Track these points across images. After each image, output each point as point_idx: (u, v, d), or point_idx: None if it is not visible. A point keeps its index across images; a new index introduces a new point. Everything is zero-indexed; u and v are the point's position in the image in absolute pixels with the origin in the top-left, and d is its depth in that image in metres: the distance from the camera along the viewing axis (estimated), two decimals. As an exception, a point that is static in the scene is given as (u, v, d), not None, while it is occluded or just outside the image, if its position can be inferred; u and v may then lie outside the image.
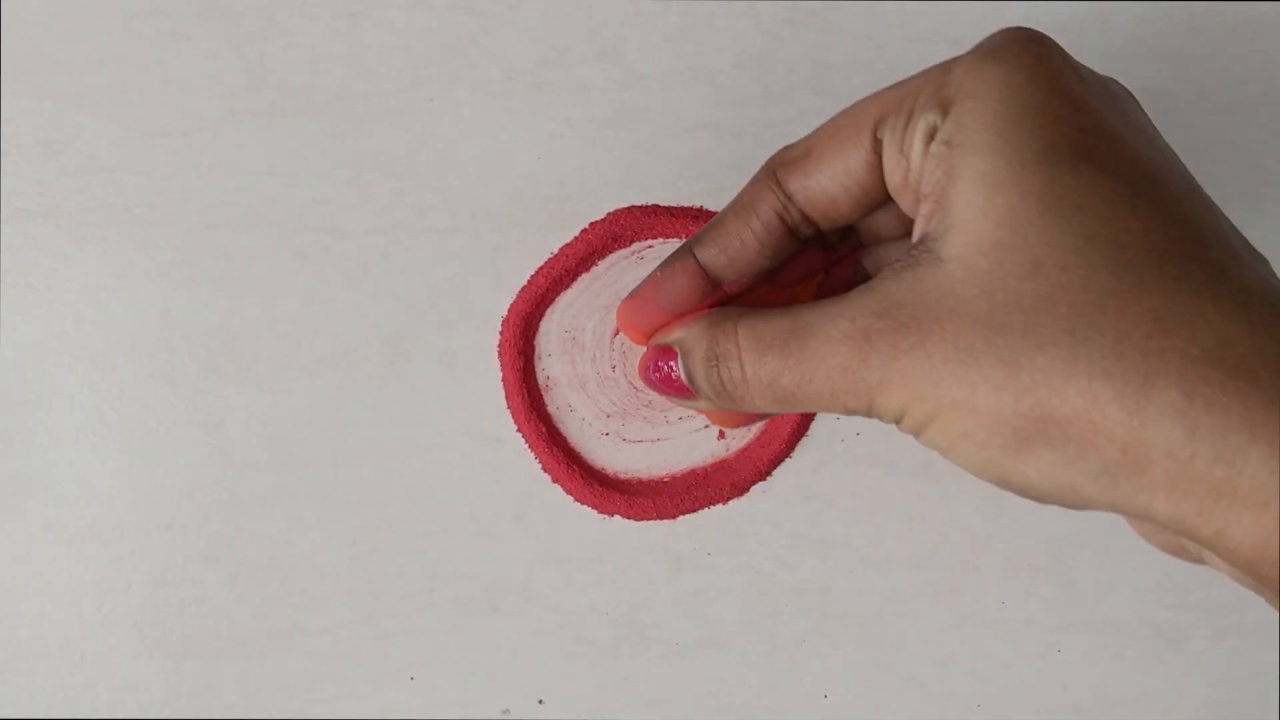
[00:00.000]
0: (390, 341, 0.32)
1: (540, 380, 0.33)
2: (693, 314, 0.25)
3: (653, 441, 0.33)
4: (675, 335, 0.25)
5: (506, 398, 0.32)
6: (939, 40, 0.33)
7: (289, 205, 0.32)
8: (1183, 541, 0.22)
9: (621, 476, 0.33)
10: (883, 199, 0.24)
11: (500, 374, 0.32)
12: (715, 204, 0.32)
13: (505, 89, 0.32)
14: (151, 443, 0.32)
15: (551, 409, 0.33)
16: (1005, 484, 0.21)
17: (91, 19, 0.32)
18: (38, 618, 0.32)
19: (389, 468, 0.32)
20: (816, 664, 0.33)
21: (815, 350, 0.22)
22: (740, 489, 0.33)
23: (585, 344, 0.33)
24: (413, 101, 0.32)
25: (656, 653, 0.33)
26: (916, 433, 0.21)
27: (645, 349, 0.26)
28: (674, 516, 0.33)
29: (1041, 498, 0.20)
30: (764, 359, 0.23)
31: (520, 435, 0.32)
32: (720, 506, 0.33)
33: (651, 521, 0.33)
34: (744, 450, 0.33)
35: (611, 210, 0.32)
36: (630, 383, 0.33)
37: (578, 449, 0.33)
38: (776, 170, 0.24)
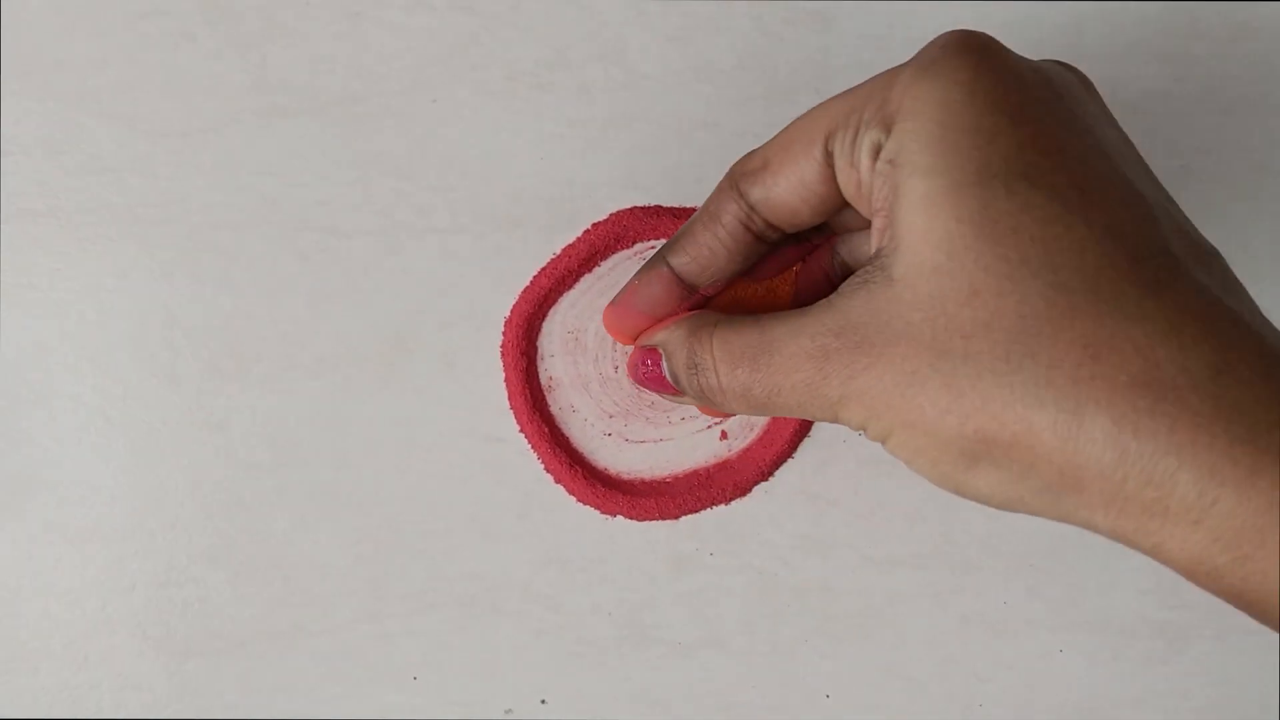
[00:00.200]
0: (392, 342, 0.32)
1: (543, 381, 0.33)
2: (674, 316, 0.26)
3: (655, 442, 0.33)
4: (658, 338, 0.26)
5: (509, 398, 0.32)
6: (940, 41, 0.33)
7: (291, 205, 0.32)
8: None
9: (624, 477, 0.33)
10: (842, 204, 0.24)
11: (503, 374, 0.32)
12: (717, 204, 0.32)
13: (507, 89, 0.32)
14: (154, 442, 0.32)
15: (554, 409, 0.33)
16: (962, 495, 0.22)
17: (94, 19, 0.32)
18: (41, 617, 0.32)
19: (391, 468, 0.32)
20: (818, 664, 0.33)
21: (780, 366, 0.23)
22: (742, 489, 0.33)
23: (588, 344, 0.33)
24: (415, 102, 0.32)
25: (658, 653, 0.33)
26: (880, 442, 0.22)
27: (633, 349, 0.28)
28: (676, 517, 0.33)
29: (998, 508, 0.21)
30: (735, 371, 0.24)
31: (523, 436, 0.32)
32: (722, 507, 0.33)
33: (654, 522, 0.33)
34: (746, 451, 0.33)
35: (614, 210, 0.32)
36: (633, 383, 0.33)
37: (580, 449, 0.33)
38: (738, 181, 0.24)
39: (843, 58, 0.33)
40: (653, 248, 0.33)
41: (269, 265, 0.32)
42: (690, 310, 0.27)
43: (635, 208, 0.32)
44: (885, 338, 0.21)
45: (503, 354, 0.32)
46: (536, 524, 0.33)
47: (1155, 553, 0.19)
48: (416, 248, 0.32)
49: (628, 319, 0.27)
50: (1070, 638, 0.33)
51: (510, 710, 0.33)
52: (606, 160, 0.32)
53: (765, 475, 0.33)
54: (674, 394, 0.27)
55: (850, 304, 0.22)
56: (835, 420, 0.23)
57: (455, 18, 0.32)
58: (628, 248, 0.32)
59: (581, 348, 0.33)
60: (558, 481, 0.32)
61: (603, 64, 0.32)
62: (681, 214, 0.32)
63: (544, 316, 0.32)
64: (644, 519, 0.32)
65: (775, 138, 0.24)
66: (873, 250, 0.22)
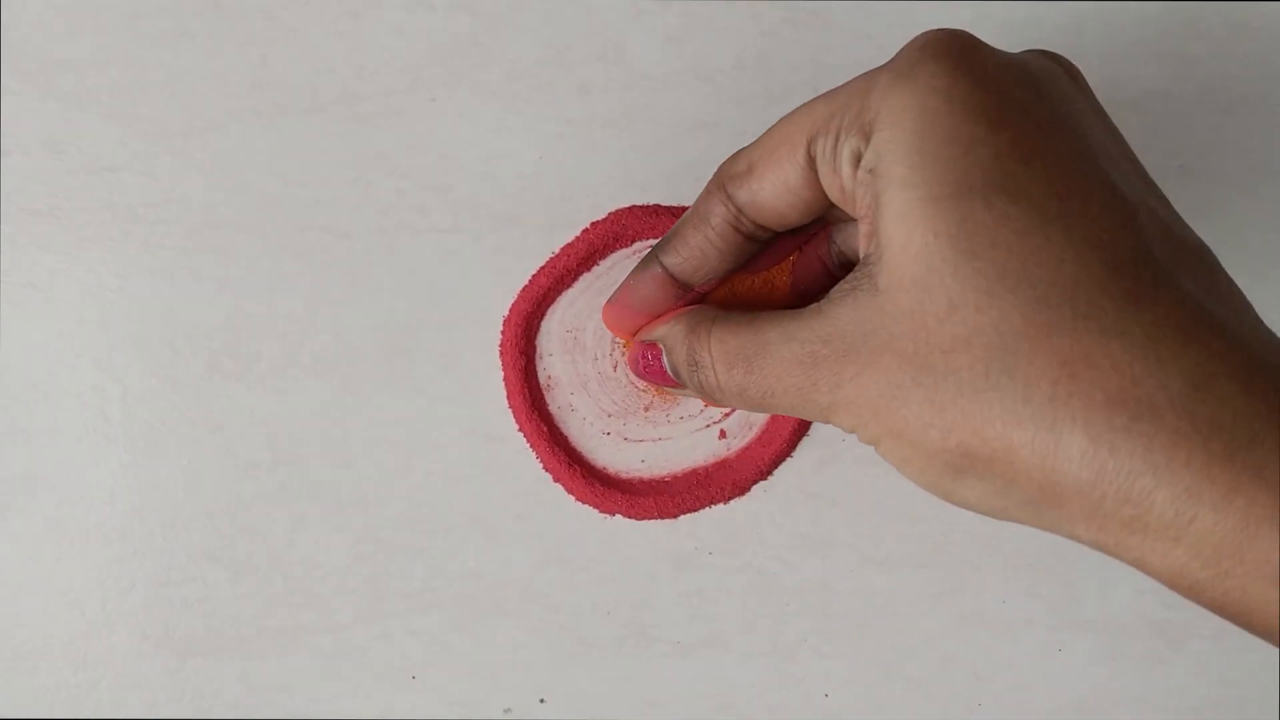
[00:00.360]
0: (392, 341, 0.32)
1: (542, 380, 0.33)
2: (672, 312, 0.27)
3: (654, 441, 0.33)
4: (658, 333, 0.27)
5: (508, 397, 0.32)
6: (940, 40, 0.33)
7: (291, 205, 0.32)
8: None
9: (623, 476, 0.33)
10: (829, 204, 0.24)
11: (502, 373, 0.32)
12: (716, 204, 0.32)
13: (507, 89, 0.32)
14: (154, 442, 0.32)
15: (553, 408, 0.33)
16: (950, 502, 0.22)
17: (94, 19, 0.32)
18: (41, 616, 0.32)
19: (391, 467, 0.32)
20: (817, 663, 0.33)
21: (772, 370, 0.23)
22: (741, 488, 0.33)
23: (586, 343, 0.33)
24: (415, 101, 0.32)
25: (658, 652, 0.33)
26: (872, 446, 0.22)
27: (633, 344, 0.28)
28: (675, 516, 0.33)
29: (986, 516, 0.21)
30: (731, 371, 0.24)
31: (521, 435, 0.32)
32: (721, 506, 0.33)
33: (653, 521, 0.33)
34: (745, 450, 0.33)
35: (613, 210, 0.32)
36: (631, 382, 0.33)
37: (579, 448, 0.33)
38: (725, 184, 0.24)
39: (841, 58, 0.33)
40: (650, 247, 0.32)
41: (269, 264, 0.32)
42: (689, 304, 0.27)
43: (634, 207, 0.32)
44: (871, 348, 0.21)
45: (501, 353, 0.32)
46: (536, 523, 0.33)
47: (1138, 565, 0.19)
48: (416, 247, 0.32)
49: (625, 317, 0.27)
50: (1069, 637, 0.33)
51: (509, 710, 0.33)
52: (606, 160, 0.32)
53: (764, 474, 0.33)
54: (676, 387, 0.27)
55: (839, 311, 0.22)
56: (827, 423, 0.23)
57: (456, 17, 0.32)
58: (626, 247, 0.32)
59: (580, 347, 0.33)
60: (556, 480, 0.32)
61: (603, 64, 0.32)
62: (680, 213, 0.32)
63: (543, 315, 0.33)
64: (643, 518, 0.32)
65: (759, 140, 0.24)
66: (861, 255, 0.22)
